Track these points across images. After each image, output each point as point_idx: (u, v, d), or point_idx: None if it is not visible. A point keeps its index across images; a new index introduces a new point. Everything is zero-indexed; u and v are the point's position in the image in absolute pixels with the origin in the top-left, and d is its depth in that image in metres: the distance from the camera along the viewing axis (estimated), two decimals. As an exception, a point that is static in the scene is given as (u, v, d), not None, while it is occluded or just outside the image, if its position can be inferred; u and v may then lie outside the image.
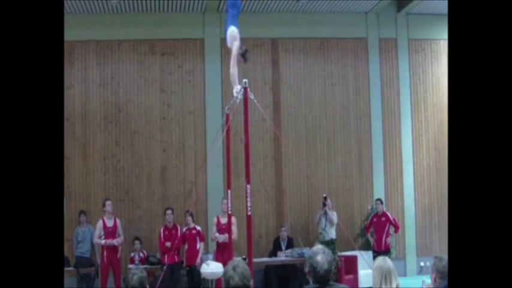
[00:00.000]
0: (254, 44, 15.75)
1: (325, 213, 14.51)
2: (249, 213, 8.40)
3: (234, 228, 12.47)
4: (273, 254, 14.74)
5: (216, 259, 12.90)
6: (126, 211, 14.72)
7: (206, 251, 14.31)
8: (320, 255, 5.12)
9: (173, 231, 14.01)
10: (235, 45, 9.22)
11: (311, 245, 14.75)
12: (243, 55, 9.35)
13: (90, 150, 15.10)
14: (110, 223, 13.74)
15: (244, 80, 8.69)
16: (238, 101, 8.81)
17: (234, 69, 9.04)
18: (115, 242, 13.60)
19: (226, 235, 12.31)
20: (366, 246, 14.95)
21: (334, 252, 14.02)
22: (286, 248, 14.59)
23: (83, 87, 15.22)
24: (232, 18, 9.51)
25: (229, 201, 10.30)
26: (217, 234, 13.61)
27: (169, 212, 14.04)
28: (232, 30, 9.33)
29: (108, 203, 13.71)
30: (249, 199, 8.35)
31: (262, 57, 15.88)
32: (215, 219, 13.85)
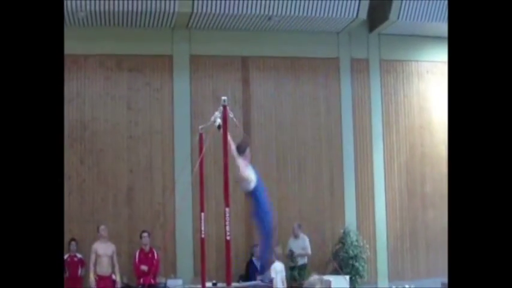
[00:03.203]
0: (224, 62, 15.44)
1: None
2: (228, 237, 8.01)
3: None
4: (246, 278, 14.30)
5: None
6: (91, 233, 14.10)
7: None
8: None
9: (149, 255, 13.80)
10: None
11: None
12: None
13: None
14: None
15: (223, 98, 8.38)
16: (218, 121, 8.51)
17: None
18: None
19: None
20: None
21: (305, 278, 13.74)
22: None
23: (47, 103, 14.65)
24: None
25: (202, 224, 10.05)
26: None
27: (145, 234, 13.81)
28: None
29: None
30: (228, 223, 7.98)
31: (232, 75, 15.52)
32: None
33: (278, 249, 13.93)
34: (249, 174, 8.89)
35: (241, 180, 8.93)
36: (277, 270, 13.41)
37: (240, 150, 8.99)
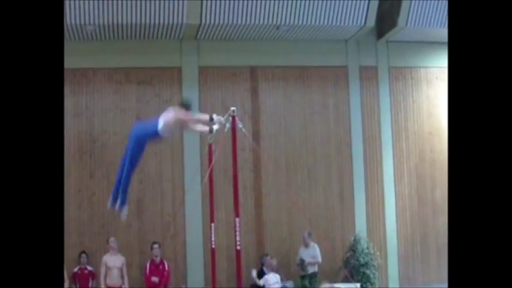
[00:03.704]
0: (233, 72, 15.49)
1: None
2: (238, 247, 8.02)
3: None
4: (256, 288, 14.35)
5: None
6: (103, 245, 14.19)
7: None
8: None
9: (160, 266, 13.89)
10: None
11: (293, 278, 14.50)
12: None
13: (64, 182, 14.58)
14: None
15: (232, 108, 8.44)
16: (226, 130, 8.57)
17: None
18: None
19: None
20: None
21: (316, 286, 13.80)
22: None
23: (57, 116, 14.73)
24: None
25: (213, 234, 10.13)
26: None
27: (156, 246, 13.88)
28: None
29: None
30: (238, 233, 8.00)
31: (241, 86, 15.57)
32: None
33: (274, 261, 13.98)
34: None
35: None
36: (270, 282, 13.43)
37: (186, 108, 8.88)
